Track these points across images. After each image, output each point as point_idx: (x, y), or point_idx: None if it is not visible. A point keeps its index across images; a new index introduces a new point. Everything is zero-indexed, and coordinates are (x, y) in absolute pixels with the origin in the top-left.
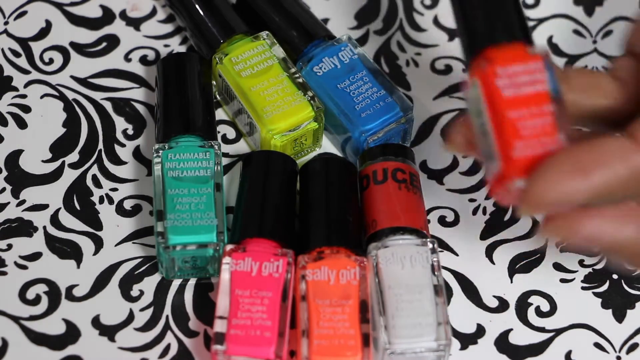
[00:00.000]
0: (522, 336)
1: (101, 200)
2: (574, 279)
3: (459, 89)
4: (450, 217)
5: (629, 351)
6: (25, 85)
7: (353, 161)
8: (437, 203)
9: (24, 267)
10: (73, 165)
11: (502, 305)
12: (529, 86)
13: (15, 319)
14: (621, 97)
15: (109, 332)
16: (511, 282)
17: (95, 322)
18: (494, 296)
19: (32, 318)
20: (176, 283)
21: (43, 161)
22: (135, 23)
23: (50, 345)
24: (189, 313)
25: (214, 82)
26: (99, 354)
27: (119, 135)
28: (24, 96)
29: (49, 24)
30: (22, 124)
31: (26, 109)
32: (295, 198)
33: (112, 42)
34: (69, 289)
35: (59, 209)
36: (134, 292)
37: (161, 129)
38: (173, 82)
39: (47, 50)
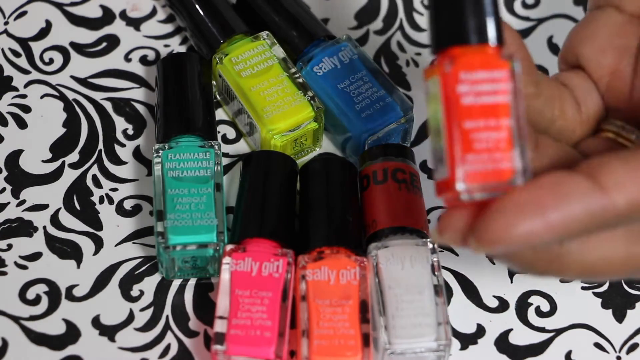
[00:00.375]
0: (522, 336)
1: (101, 200)
2: (573, 279)
3: None
4: None
5: (629, 351)
6: (25, 85)
7: (353, 161)
8: (437, 203)
9: (24, 267)
10: (73, 165)
11: (502, 305)
12: (490, 96)
13: (15, 319)
14: (577, 119)
15: (109, 332)
16: (511, 282)
17: (95, 322)
18: (494, 296)
19: (32, 318)
20: (176, 283)
21: (43, 161)
22: (135, 23)
23: (50, 345)
24: (189, 313)
25: (214, 82)
26: (99, 354)
27: (119, 135)
28: (24, 96)
29: (49, 24)
30: (22, 124)
31: (26, 109)
32: (295, 198)
33: (112, 42)
34: (69, 289)
35: (59, 209)
36: (134, 292)
37: (161, 129)
38: (173, 82)
39: (47, 50)
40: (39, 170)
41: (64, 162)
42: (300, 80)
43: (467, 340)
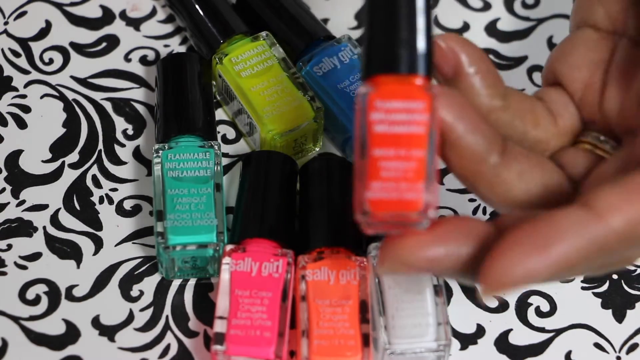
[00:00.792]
0: (522, 336)
1: (101, 201)
2: (574, 279)
3: None
4: None
5: (629, 351)
6: (25, 85)
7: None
8: (441, 202)
9: (24, 267)
10: (73, 166)
11: (502, 305)
12: (403, 126)
13: (15, 319)
14: (551, 130)
15: (109, 332)
16: None
17: (95, 322)
18: (494, 296)
19: (32, 318)
20: (176, 283)
21: (43, 161)
22: (135, 23)
23: (50, 345)
24: (189, 313)
25: (213, 82)
26: (99, 354)
27: (119, 136)
28: (24, 96)
29: (48, 24)
30: (22, 124)
31: (26, 109)
32: (295, 198)
33: (112, 42)
34: (69, 289)
35: (59, 209)
36: (134, 292)
37: (161, 129)
38: (173, 82)
39: (47, 50)
40: (39, 170)
41: (63, 162)
42: (300, 80)
43: (467, 340)
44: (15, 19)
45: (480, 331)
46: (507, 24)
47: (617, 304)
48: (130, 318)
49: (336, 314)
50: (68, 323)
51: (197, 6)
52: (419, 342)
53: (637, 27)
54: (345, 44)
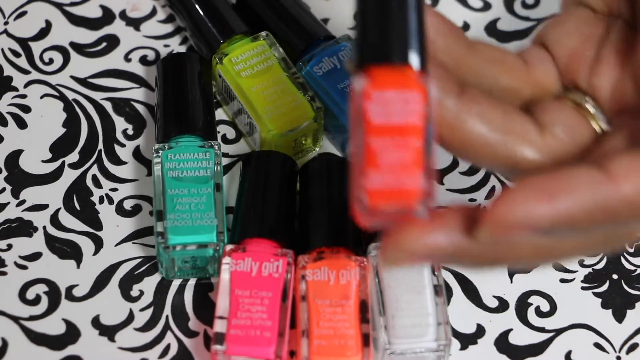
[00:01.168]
0: (522, 336)
1: (101, 200)
2: (573, 279)
3: None
4: None
5: (629, 351)
6: (25, 85)
7: None
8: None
9: (24, 267)
10: (73, 165)
11: (502, 305)
12: (400, 116)
13: (15, 319)
14: (523, 78)
15: (109, 332)
16: (511, 282)
17: (95, 322)
18: (494, 296)
19: (32, 318)
20: (176, 283)
21: (43, 161)
22: (135, 23)
23: (50, 345)
24: (189, 313)
25: (213, 82)
26: (99, 354)
27: (119, 135)
28: (24, 96)
29: (48, 24)
30: (22, 124)
31: (26, 109)
32: (295, 198)
33: (112, 42)
34: (69, 289)
35: (59, 209)
36: (134, 292)
37: (161, 129)
38: (173, 82)
39: (47, 50)
40: (39, 170)
41: (63, 162)
42: (300, 80)
43: (467, 340)
44: (15, 19)
45: (480, 331)
46: (507, 24)
47: (617, 304)
48: (130, 318)
49: (336, 313)
50: (68, 323)
51: (197, 6)
52: (419, 342)
53: (631, 10)
54: (345, 43)
